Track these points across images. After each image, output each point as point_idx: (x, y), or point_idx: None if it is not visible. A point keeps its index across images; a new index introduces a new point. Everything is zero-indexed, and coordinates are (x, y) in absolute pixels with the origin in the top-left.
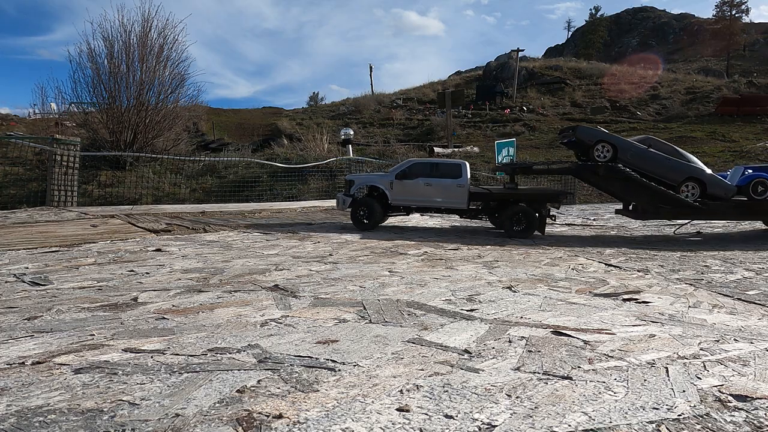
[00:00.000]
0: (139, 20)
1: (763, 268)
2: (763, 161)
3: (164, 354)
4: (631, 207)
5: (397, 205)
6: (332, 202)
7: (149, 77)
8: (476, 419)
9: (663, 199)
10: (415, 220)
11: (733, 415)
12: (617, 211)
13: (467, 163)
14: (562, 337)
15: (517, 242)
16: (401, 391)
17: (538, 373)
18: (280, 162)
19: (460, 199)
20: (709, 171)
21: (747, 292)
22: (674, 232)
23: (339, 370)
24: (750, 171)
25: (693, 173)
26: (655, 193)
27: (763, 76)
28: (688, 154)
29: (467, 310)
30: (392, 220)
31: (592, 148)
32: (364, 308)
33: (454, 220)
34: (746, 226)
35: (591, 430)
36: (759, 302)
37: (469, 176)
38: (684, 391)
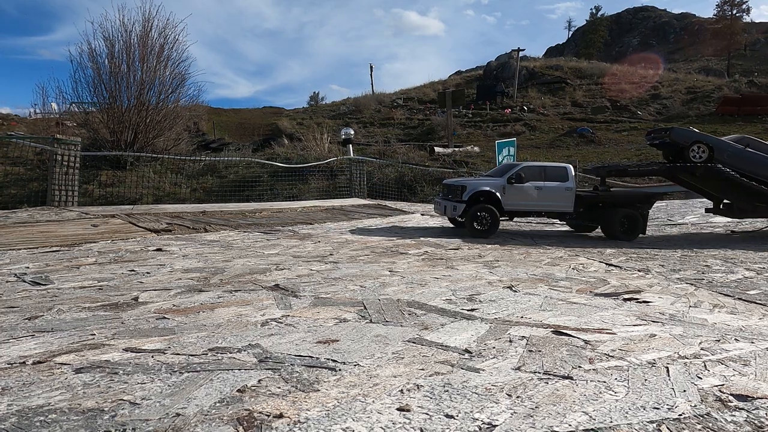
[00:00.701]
0: (140, 20)
1: (763, 268)
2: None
3: (165, 353)
4: (722, 206)
5: (509, 211)
6: (333, 202)
7: (150, 77)
8: (477, 419)
9: (761, 198)
10: (416, 220)
11: (734, 415)
12: (707, 210)
13: (572, 167)
14: (563, 336)
15: (517, 242)
16: (402, 390)
17: (539, 372)
18: (281, 162)
19: (567, 203)
20: None
21: (748, 292)
22: (730, 231)
23: (339, 370)
24: None
25: None
26: (754, 192)
27: (764, 75)
28: None
29: (468, 310)
30: (392, 220)
31: (688, 149)
32: (365, 308)
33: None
34: (747, 225)
35: (591, 429)
36: (760, 302)
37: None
38: (685, 390)
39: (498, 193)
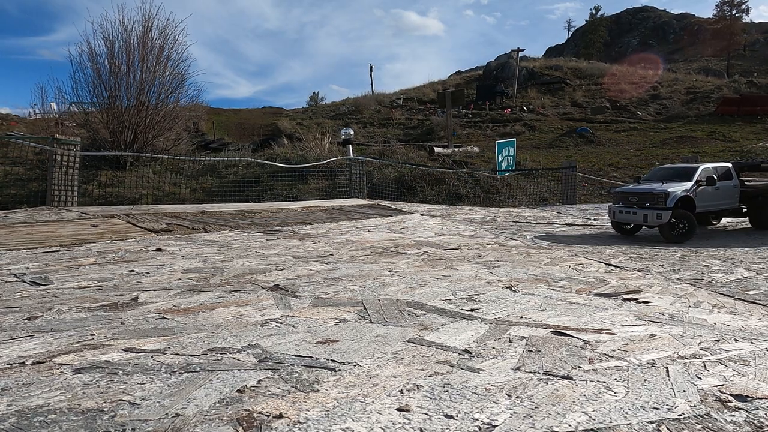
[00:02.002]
0: (140, 20)
1: (763, 268)
2: (763, 161)
3: (164, 354)
4: None
5: (698, 214)
6: (332, 202)
7: (149, 77)
8: (476, 419)
9: None
10: (415, 220)
11: (734, 415)
12: None
13: (731, 164)
14: (563, 336)
15: (517, 242)
16: (401, 390)
17: (539, 372)
18: (280, 162)
19: (734, 200)
20: None
21: (747, 292)
22: None
23: (339, 370)
24: None
25: None
26: None
27: (764, 76)
28: None
29: (467, 310)
30: (392, 220)
31: None
32: (365, 308)
33: (455, 220)
34: (747, 225)
35: (591, 430)
36: (759, 302)
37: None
38: (684, 391)
39: (693, 197)
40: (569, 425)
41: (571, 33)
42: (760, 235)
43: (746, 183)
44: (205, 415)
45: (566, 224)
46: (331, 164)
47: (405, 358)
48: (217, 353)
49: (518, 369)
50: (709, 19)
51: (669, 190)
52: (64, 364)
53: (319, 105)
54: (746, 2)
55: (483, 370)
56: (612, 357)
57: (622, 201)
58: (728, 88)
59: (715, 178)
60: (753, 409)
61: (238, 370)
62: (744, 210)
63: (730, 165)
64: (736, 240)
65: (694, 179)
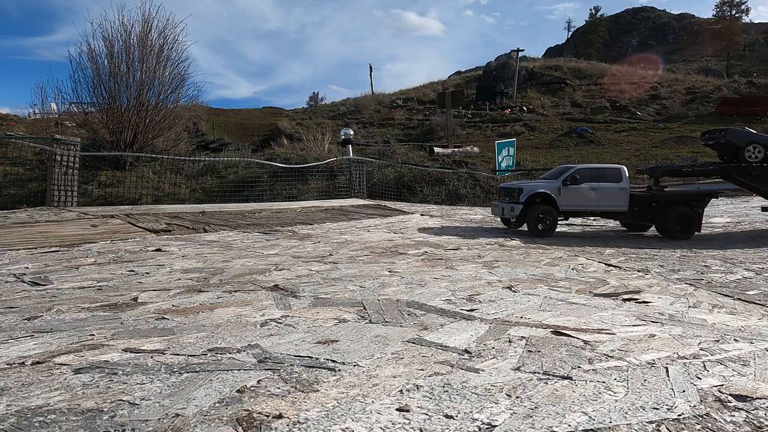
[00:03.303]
0: (140, 20)
1: (763, 268)
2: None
3: (164, 354)
4: None
5: (564, 211)
6: (332, 203)
7: (149, 77)
8: (476, 419)
9: None
10: (415, 220)
11: (733, 415)
12: (764, 209)
13: (626, 168)
14: (562, 337)
15: (517, 242)
16: (401, 391)
17: (538, 373)
18: (280, 162)
19: (622, 203)
20: None
21: (747, 292)
22: None
23: (339, 370)
24: None
25: None
26: None
27: (763, 76)
28: None
29: (467, 310)
30: (392, 220)
31: (743, 149)
32: (364, 308)
33: (454, 220)
34: (746, 225)
35: (591, 430)
36: (759, 302)
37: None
38: (684, 391)
39: (553, 195)
40: (569, 425)
41: (570, 33)
42: (761, 235)
43: (662, 189)
44: (205, 415)
45: (566, 224)
46: (331, 164)
47: (405, 358)
48: (216, 353)
49: (518, 369)
50: (708, 19)
51: (524, 186)
52: (64, 365)
53: (319, 105)
54: (746, 2)
55: (483, 370)
56: (612, 357)
57: (499, 195)
58: (728, 88)
59: (578, 177)
60: (753, 409)
61: (238, 370)
62: (630, 213)
63: (620, 168)
64: (736, 240)
65: (561, 178)
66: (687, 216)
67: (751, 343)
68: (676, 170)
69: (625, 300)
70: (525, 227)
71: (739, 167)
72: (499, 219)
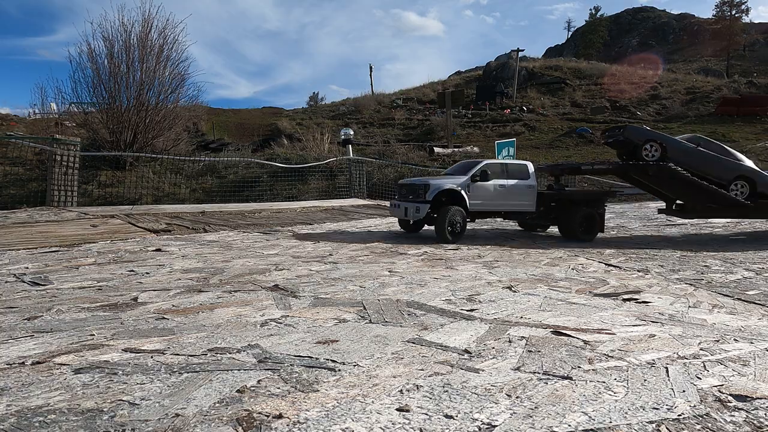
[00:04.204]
0: (140, 20)
1: (763, 268)
2: (764, 161)
3: (164, 354)
4: (674, 206)
5: (473, 212)
6: (332, 203)
7: (149, 77)
8: (476, 419)
9: (714, 198)
10: None
11: (733, 415)
12: (660, 211)
13: (531, 164)
14: (562, 337)
15: (517, 242)
16: (401, 391)
17: (538, 373)
18: (280, 162)
19: (530, 202)
20: (758, 169)
21: (747, 292)
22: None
23: (339, 370)
24: None
25: (743, 171)
26: (707, 192)
27: (763, 76)
28: (737, 152)
29: (467, 310)
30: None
31: (641, 148)
32: (364, 308)
33: None
34: (746, 225)
35: (591, 430)
36: (759, 302)
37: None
38: (684, 391)
39: (463, 192)
40: (569, 425)
41: (570, 33)
42: (761, 235)
43: (552, 188)
44: (205, 416)
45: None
46: (331, 164)
47: (405, 358)
48: (216, 353)
49: (518, 369)
50: (708, 19)
51: (431, 182)
52: (64, 365)
53: (319, 105)
54: (746, 2)
55: (483, 371)
56: (612, 357)
57: (399, 193)
58: (728, 88)
59: (489, 173)
60: (753, 409)
61: (238, 370)
62: (537, 213)
63: (527, 164)
64: (736, 240)
65: (470, 174)
66: (590, 217)
67: (751, 343)
68: (575, 168)
69: (625, 300)
70: (423, 232)
71: (637, 166)
72: (397, 222)
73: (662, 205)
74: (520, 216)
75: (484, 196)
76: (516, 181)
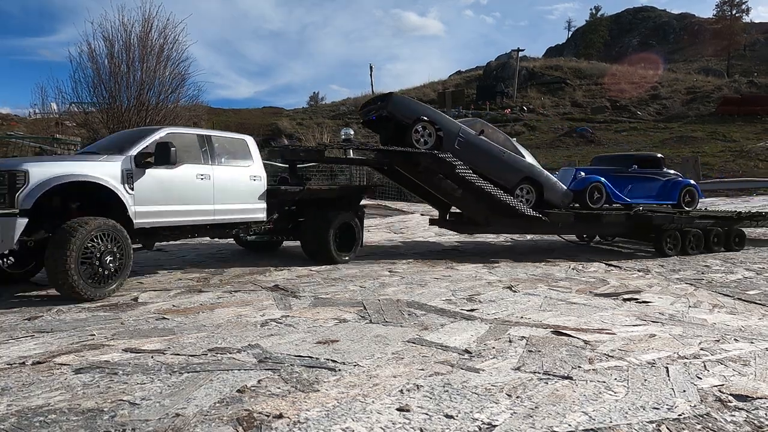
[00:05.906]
0: (140, 20)
1: (763, 268)
2: (764, 161)
3: (164, 354)
4: (448, 216)
5: (143, 228)
6: None
7: (150, 77)
8: (476, 419)
9: (500, 210)
10: (415, 220)
11: (734, 415)
12: (432, 222)
13: (253, 139)
14: (563, 336)
15: (516, 242)
16: (401, 390)
17: (539, 372)
18: (280, 162)
19: (255, 204)
20: (543, 169)
21: (747, 292)
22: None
23: (339, 370)
24: (583, 174)
25: (530, 173)
26: (493, 202)
27: (764, 75)
28: (520, 146)
29: (467, 310)
30: (391, 220)
31: (411, 129)
32: (365, 308)
33: None
34: None
35: (591, 429)
36: (759, 302)
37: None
38: (684, 390)
39: (119, 187)
40: (569, 425)
41: (571, 33)
42: (761, 236)
43: (298, 183)
44: (205, 415)
45: None
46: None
47: (405, 358)
48: (217, 353)
49: (518, 369)
50: (709, 19)
51: (31, 167)
52: (64, 365)
53: (319, 105)
54: (746, 2)
55: (483, 370)
56: (612, 357)
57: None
58: (728, 88)
59: (174, 150)
60: (753, 409)
61: (238, 370)
62: (290, 227)
63: (246, 139)
64: None
65: (134, 150)
66: (348, 227)
67: (752, 343)
68: (317, 153)
69: (625, 300)
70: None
71: (405, 154)
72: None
73: (435, 214)
74: (237, 228)
75: (165, 197)
76: (229, 168)
